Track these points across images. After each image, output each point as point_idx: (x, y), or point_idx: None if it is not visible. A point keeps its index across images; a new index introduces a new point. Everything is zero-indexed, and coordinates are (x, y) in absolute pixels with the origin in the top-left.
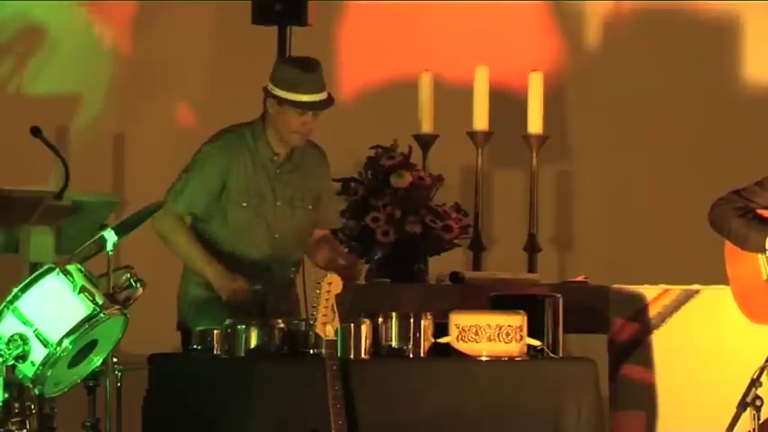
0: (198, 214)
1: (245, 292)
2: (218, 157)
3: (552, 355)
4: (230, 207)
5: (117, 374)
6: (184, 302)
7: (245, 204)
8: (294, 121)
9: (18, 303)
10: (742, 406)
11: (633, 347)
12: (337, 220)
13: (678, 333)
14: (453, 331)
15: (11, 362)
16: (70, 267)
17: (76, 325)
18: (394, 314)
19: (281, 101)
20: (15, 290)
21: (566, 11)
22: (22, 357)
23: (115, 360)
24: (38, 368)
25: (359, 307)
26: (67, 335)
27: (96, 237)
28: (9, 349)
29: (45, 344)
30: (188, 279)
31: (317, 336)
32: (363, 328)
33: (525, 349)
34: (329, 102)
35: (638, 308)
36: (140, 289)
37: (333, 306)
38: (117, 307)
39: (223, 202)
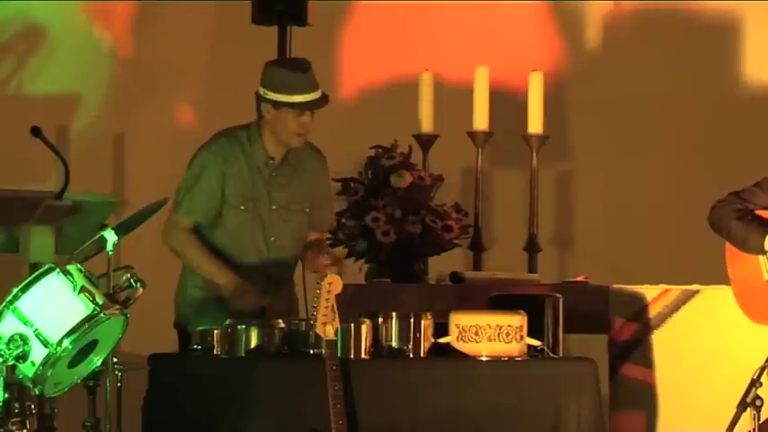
0: (204, 221)
1: (252, 296)
2: (215, 162)
3: (552, 355)
4: (229, 211)
5: (117, 374)
6: (183, 303)
7: (242, 208)
8: (293, 123)
9: (18, 303)
10: (742, 406)
11: (633, 347)
12: (332, 223)
13: (678, 333)
14: (453, 331)
15: (11, 362)
16: (70, 267)
17: (76, 325)
18: (394, 314)
19: (277, 104)
20: (15, 290)
21: (566, 11)
22: (23, 357)
23: (115, 360)
24: (38, 368)
25: (359, 307)
26: (67, 335)
27: (96, 237)
28: (9, 349)
29: (45, 344)
30: (187, 281)
31: (317, 336)
32: (363, 328)
33: (525, 349)
34: (325, 100)
35: (638, 308)
36: (140, 289)
37: (333, 306)
38: (117, 307)
39: (222, 207)
